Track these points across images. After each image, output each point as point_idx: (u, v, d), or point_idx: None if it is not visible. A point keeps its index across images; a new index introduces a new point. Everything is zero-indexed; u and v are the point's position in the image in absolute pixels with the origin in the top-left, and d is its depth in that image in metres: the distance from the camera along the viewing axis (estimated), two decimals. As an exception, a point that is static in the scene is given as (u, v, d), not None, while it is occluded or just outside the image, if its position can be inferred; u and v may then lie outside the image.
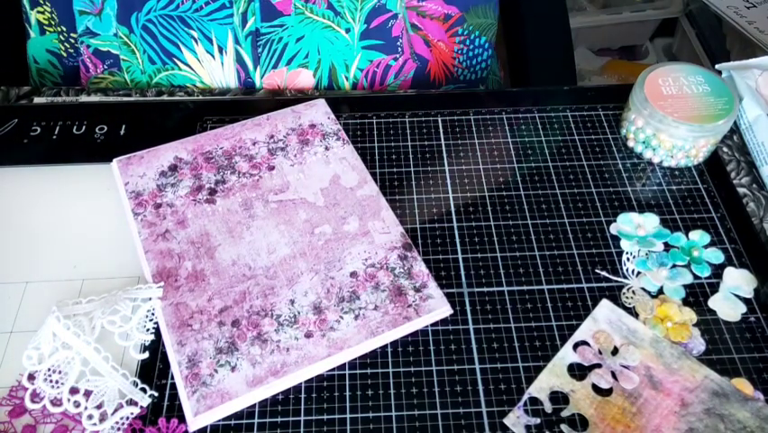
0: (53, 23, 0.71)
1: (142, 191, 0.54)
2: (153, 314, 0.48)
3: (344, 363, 0.46)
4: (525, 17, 0.82)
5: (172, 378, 0.45)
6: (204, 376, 0.44)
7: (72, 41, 0.72)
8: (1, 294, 0.49)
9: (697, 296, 0.50)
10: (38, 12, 0.71)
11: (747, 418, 0.43)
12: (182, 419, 0.43)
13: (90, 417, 0.43)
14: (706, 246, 0.53)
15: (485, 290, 0.50)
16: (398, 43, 0.66)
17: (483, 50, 0.74)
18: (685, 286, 0.50)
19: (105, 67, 0.68)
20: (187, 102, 0.63)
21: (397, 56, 0.67)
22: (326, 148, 0.57)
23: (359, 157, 0.57)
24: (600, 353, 0.46)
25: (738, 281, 0.50)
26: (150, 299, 0.47)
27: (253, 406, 0.44)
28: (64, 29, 0.71)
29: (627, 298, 0.49)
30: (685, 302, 0.49)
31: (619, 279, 0.51)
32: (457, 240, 0.53)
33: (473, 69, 0.74)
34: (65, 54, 0.73)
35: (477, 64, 0.75)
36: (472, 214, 0.55)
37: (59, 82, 0.74)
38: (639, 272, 0.51)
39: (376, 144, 0.60)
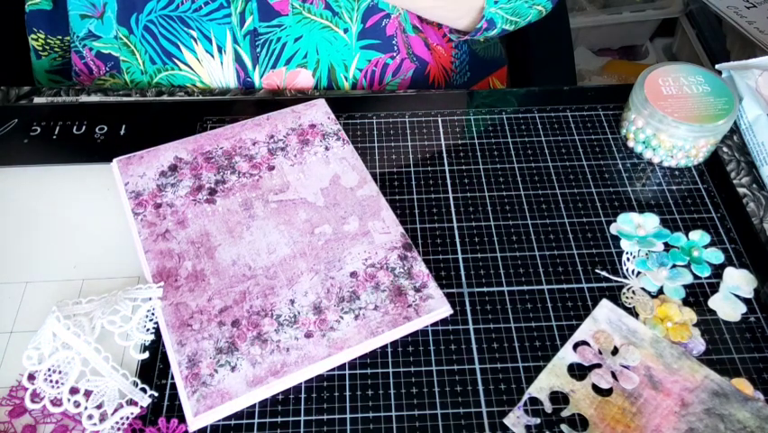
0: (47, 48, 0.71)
1: (142, 191, 0.54)
2: (153, 314, 0.48)
3: (344, 364, 0.46)
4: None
5: (172, 378, 0.45)
6: (204, 376, 0.44)
7: (66, 45, 0.72)
8: (1, 294, 0.49)
9: (697, 296, 0.50)
10: (32, 38, 0.71)
11: (747, 418, 0.43)
12: (182, 419, 0.43)
13: (90, 417, 0.43)
14: (706, 246, 0.53)
15: (485, 290, 0.50)
16: (393, 42, 0.66)
17: (468, 57, 0.75)
18: (685, 286, 0.50)
19: (107, 69, 0.68)
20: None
21: (394, 54, 0.67)
22: (326, 148, 0.57)
23: (359, 157, 0.57)
24: (600, 353, 0.46)
25: (738, 281, 0.50)
26: (151, 299, 0.47)
27: (253, 406, 0.44)
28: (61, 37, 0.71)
29: (627, 298, 0.49)
30: (685, 302, 0.49)
31: (619, 279, 0.51)
32: (457, 240, 0.53)
33: (464, 73, 0.74)
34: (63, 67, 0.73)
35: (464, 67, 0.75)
36: (472, 214, 0.55)
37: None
38: (639, 272, 0.51)
39: (376, 144, 0.60)
